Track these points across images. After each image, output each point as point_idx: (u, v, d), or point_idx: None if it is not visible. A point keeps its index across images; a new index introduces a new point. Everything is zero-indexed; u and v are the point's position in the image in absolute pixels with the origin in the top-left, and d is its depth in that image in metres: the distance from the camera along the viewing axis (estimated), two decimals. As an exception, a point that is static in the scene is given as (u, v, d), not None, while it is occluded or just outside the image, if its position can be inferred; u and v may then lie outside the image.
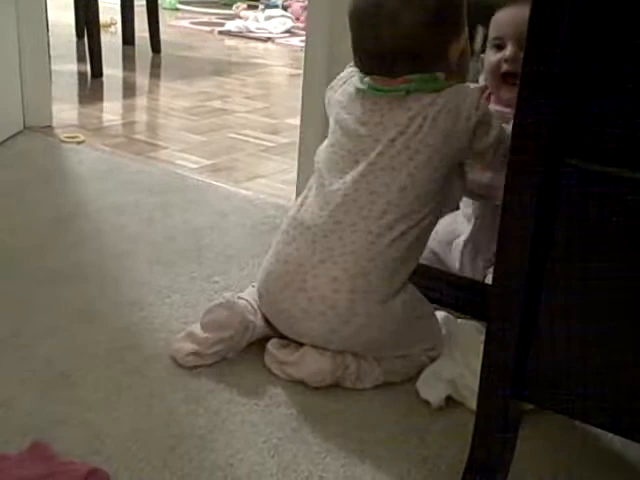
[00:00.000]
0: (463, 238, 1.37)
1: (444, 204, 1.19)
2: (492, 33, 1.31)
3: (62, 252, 1.52)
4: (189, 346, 1.16)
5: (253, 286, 1.26)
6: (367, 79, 1.15)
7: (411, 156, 1.11)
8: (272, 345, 1.17)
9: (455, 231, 1.39)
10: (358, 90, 1.17)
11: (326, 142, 1.21)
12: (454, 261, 1.38)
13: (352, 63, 1.29)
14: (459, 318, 1.27)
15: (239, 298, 1.23)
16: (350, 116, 1.17)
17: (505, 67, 1.27)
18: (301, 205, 1.18)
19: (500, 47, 1.28)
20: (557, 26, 0.71)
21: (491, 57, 1.29)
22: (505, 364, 0.86)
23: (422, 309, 1.19)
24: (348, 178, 1.13)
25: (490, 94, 1.34)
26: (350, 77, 1.22)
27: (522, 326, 0.83)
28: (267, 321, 1.21)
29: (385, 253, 1.11)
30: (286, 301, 1.15)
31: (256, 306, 1.21)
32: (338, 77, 1.28)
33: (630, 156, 0.73)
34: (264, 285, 1.19)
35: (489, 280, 1.34)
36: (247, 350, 1.20)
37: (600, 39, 0.72)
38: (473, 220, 1.36)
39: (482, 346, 1.13)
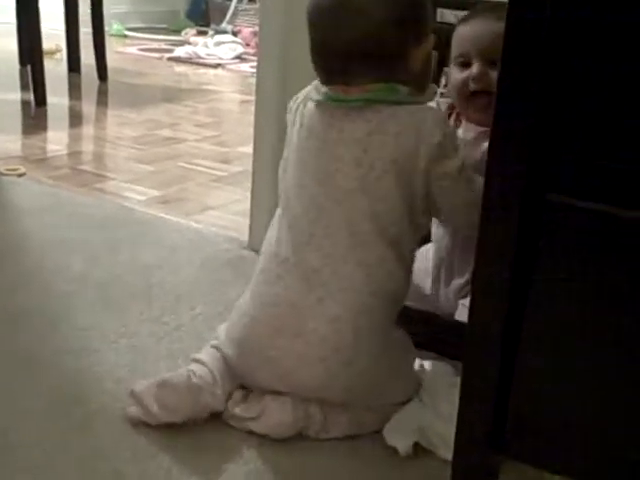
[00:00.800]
0: (435, 260, 1.31)
1: (420, 227, 1.11)
2: (455, 50, 1.25)
3: (-1, 295, 1.42)
4: (136, 412, 1.06)
5: (213, 346, 1.14)
6: (324, 89, 1.06)
7: (378, 176, 1.02)
8: (231, 402, 1.08)
9: (428, 257, 1.33)
10: (317, 102, 1.08)
11: (288, 165, 1.11)
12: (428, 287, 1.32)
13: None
14: (431, 359, 1.20)
15: (195, 361, 1.11)
16: (310, 133, 1.08)
17: (473, 86, 1.21)
18: (278, 239, 1.08)
19: (465, 65, 1.22)
20: (533, 58, 0.66)
21: (457, 75, 1.23)
22: (483, 413, 0.79)
23: (409, 355, 1.13)
24: (324, 204, 1.04)
25: (458, 114, 1.29)
26: (308, 93, 1.13)
27: (501, 373, 0.76)
28: (233, 375, 1.10)
29: (384, 286, 1.04)
30: (278, 349, 1.04)
31: (217, 372, 1.08)
32: (295, 97, 1.20)
33: (613, 191, 0.67)
34: (245, 333, 1.07)
35: (462, 312, 1.28)
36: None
37: (580, 70, 0.66)
38: (446, 240, 1.30)
39: (455, 389, 1.08)
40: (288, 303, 1.04)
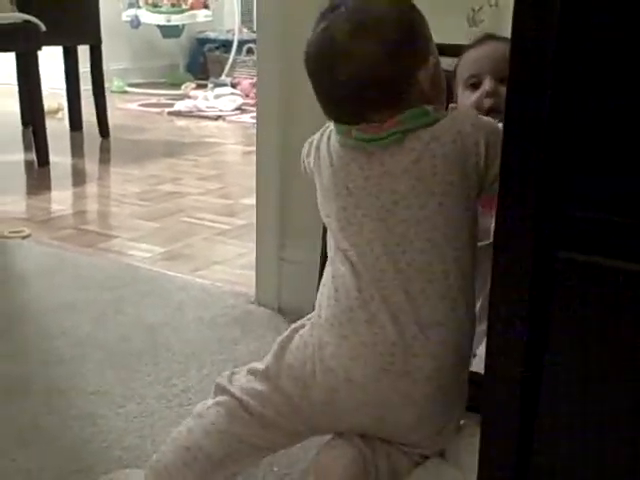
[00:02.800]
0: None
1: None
2: (466, 72, 1.23)
3: (2, 362, 1.39)
4: None
5: (231, 395, 1.03)
6: (354, 131, 1.01)
7: (440, 201, 0.98)
8: None
9: None
10: (346, 145, 1.03)
11: (330, 206, 1.06)
12: None
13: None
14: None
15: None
16: (348, 173, 1.03)
17: (489, 102, 1.19)
18: (356, 274, 1.01)
19: (476, 85, 1.21)
20: (537, 104, 0.64)
21: (469, 98, 1.21)
22: (504, 468, 0.76)
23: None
24: (388, 241, 1.00)
25: None
26: (323, 132, 1.09)
27: (521, 426, 0.74)
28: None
29: (463, 318, 1.01)
30: (384, 389, 0.99)
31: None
32: (308, 141, 1.16)
33: (627, 246, 0.65)
34: (340, 377, 1.00)
35: (478, 362, 1.25)
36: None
37: (586, 114, 0.65)
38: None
39: (475, 439, 1.05)
40: (389, 342, 0.99)
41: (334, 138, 1.05)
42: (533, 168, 0.66)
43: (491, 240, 1.16)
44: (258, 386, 1.04)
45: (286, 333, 1.07)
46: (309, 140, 1.18)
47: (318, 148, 1.09)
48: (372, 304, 1.00)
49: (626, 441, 0.71)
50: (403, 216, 1.00)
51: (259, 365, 1.06)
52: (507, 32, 0.67)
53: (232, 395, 1.03)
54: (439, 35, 1.05)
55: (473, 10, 1.39)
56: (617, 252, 0.65)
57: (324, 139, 1.08)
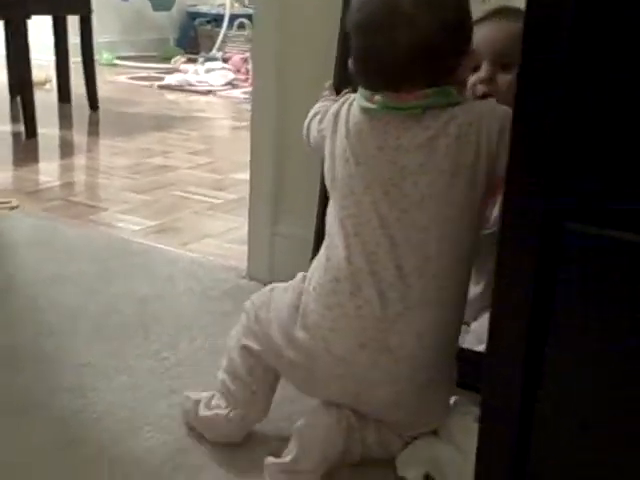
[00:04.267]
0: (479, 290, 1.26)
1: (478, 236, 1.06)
2: None
3: (-8, 333, 1.38)
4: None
5: (245, 348, 1.09)
6: (378, 96, 1.02)
7: (448, 182, 0.99)
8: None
9: None
10: (366, 110, 1.03)
11: (337, 173, 1.06)
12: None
13: (325, 96, 1.24)
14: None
15: (229, 374, 1.10)
16: (361, 141, 1.03)
17: (482, 89, 1.19)
18: (347, 246, 1.01)
19: (475, 68, 1.19)
20: (548, 86, 0.63)
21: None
22: (503, 452, 0.76)
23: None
24: (388, 215, 1.00)
25: None
26: (345, 101, 1.09)
27: (522, 409, 0.73)
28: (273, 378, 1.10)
29: (454, 301, 1.01)
30: (363, 364, 0.99)
31: (255, 385, 1.08)
32: (314, 109, 1.18)
33: (634, 218, 0.64)
34: (321, 346, 1.00)
35: (472, 337, 1.25)
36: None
37: (602, 91, 0.63)
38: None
39: (469, 417, 1.04)
40: (372, 317, 0.98)
41: (355, 105, 1.06)
42: (543, 139, 0.65)
43: (494, 229, 1.16)
44: (254, 326, 1.09)
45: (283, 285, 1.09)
46: (317, 108, 1.18)
47: (337, 115, 1.09)
48: (359, 276, 1.00)
49: (630, 422, 0.70)
50: (409, 192, 1.00)
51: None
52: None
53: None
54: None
55: None
56: (623, 223, 0.64)
57: (345, 107, 1.09)
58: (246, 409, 1.08)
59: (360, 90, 1.06)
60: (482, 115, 1.00)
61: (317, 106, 1.21)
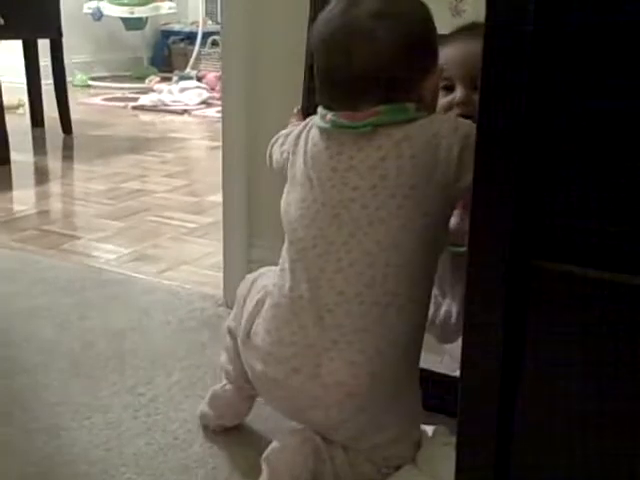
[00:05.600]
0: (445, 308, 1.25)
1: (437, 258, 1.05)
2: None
3: (-36, 373, 1.35)
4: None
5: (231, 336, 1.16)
6: (330, 115, 1.00)
7: (399, 204, 0.96)
8: None
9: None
10: (322, 130, 1.02)
11: (292, 197, 1.05)
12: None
13: (293, 122, 1.22)
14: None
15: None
16: (316, 162, 1.02)
17: (457, 111, 1.16)
18: (291, 271, 1.01)
19: (449, 88, 1.17)
20: (513, 112, 0.62)
21: (441, 99, 1.19)
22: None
23: (418, 411, 1.08)
24: (336, 239, 0.98)
25: None
26: (306, 124, 1.08)
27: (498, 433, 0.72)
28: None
29: (396, 327, 0.98)
30: (293, 388, 0.99)
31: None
32: (282, 133, 1.17)
33: (602, 254, 0.63)
34: (262, 369, 1.02)
35: (449, 361, 1.24)
36: None
37: (566, 120, 0.63)
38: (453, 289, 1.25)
39: (450, 447, 1.03)
40: (305, 344, 0.98)
41: (314, 126, 1.05)
42: (508, 175, 0.64)
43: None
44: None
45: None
46: (281, 133, 1.16)
47: (299, 137, 1.08)
48: (299, 303, 1.00)
49: (604, 448, 0.69)
50: (357, 215, 0.98)
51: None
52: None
53: None
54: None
55: (456, 0, 1.37)
56: (592, 260, 0.63)
57: (307, 128, 1.08)
58: (240, 382, 1.15)
59: (319, 110, 1.04)
60: (440, 132, 0.97)
61: (282, 132, 1.19)
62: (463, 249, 1.13)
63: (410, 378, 1.05)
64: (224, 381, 1.19)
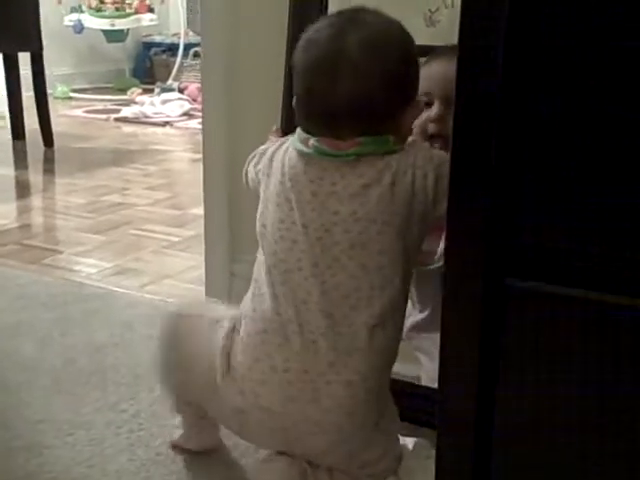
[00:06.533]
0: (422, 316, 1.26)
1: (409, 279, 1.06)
2: (421, 88, 1.22)
3: (-56, 391, 1.34)
4: None
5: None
6: (313, 141, 1.00)
7: (379, 230, 0.98)
8: None
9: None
10: (302, 154, 1.02)
11: (267, 217, 1.04)
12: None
13: (271, 139, 1.19)
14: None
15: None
16: (295, 184, 1.01)
17: (433, 128, 1.18)
18: (275, 296, 1.00)
19: (428, 104, 1.18)
20: (486, 135, 0.63)
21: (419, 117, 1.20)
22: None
23: (397, 423, 1.09)
24: (321, 262, 0.98)
25: None
26: (282, 143, 1.08)
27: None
28: None
29: (384, 346, 1.00)
30: (292, 416, 0.98)
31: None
32: (257, 151, 1.15)
33: (572, 272, 0.64)
34: (250, 401, 0.99)
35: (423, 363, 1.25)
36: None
37: (538, 142, 0.64)
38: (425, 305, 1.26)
39: (431, 461, 1.03)
40: (299, 369, 0.98)
41: (292, 148, 1.04)
42: (481, 196, 0.65)
43: (439, 264, 1.16)
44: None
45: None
46: (257, 150, 1.16)
47: (272, 158, 1.07)
48: (288, 327, 0.99)
49: (582, 461, 0.70)
50: (339, 238, 0.99)
51: None
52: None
53: None
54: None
55: (430, 11, 1.38)
56: (565, 279, 0.64)
57: (282, 148, 1.07)
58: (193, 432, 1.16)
59: (298, 132, 1.04)
60: (416, 163, 0.99)
61: (259, 148, 1.19)
62: (434, 266, 1.15)
63: (388, 390, 1.06)
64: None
